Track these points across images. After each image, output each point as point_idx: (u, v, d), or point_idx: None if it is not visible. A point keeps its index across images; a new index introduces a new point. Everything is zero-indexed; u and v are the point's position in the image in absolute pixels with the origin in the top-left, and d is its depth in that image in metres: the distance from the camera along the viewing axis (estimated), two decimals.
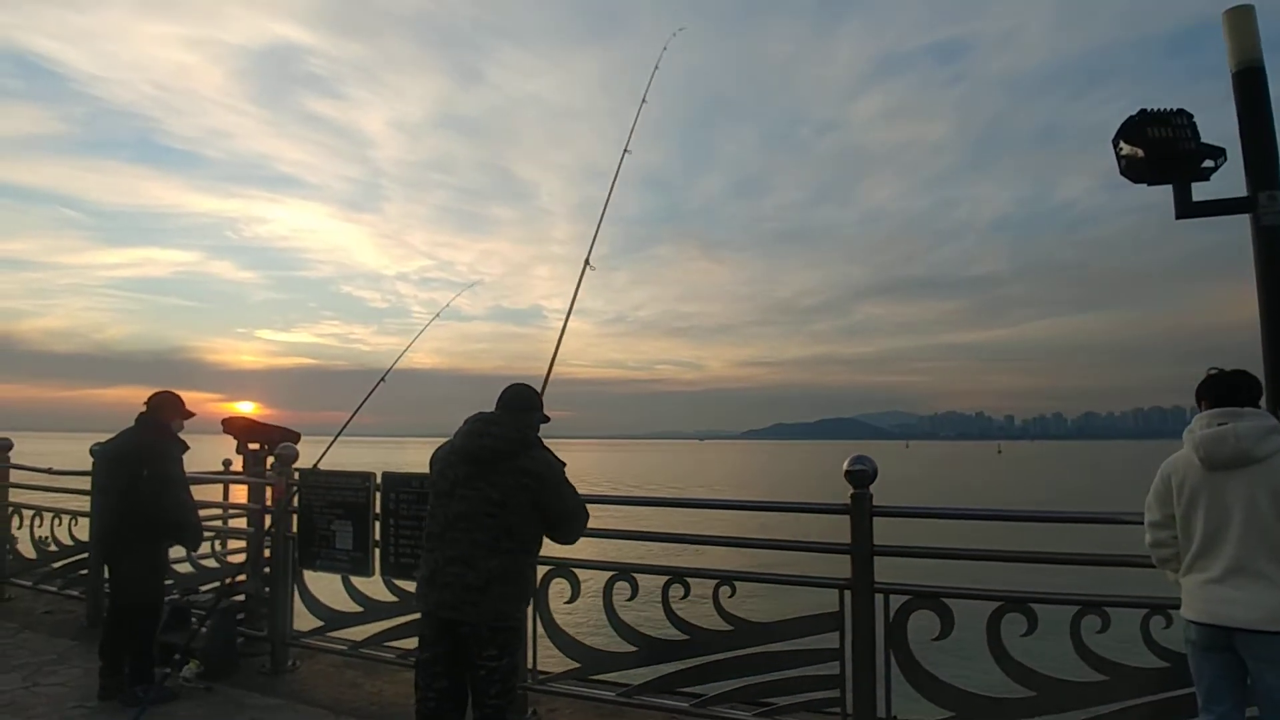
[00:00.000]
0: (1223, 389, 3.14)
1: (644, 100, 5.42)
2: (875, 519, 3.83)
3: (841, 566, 3.88)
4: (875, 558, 3.82)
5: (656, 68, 5.65)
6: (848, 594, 3.85)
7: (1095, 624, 3.54)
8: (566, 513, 3.33)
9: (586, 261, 4.87)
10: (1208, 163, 4.24)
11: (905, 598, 3.81)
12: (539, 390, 3.69)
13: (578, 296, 4.62)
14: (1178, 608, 3.29)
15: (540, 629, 4.45)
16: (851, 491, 3.84)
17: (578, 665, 4.38)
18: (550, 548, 3.53)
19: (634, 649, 4.25)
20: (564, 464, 3.40)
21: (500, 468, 3.21)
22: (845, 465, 3.85)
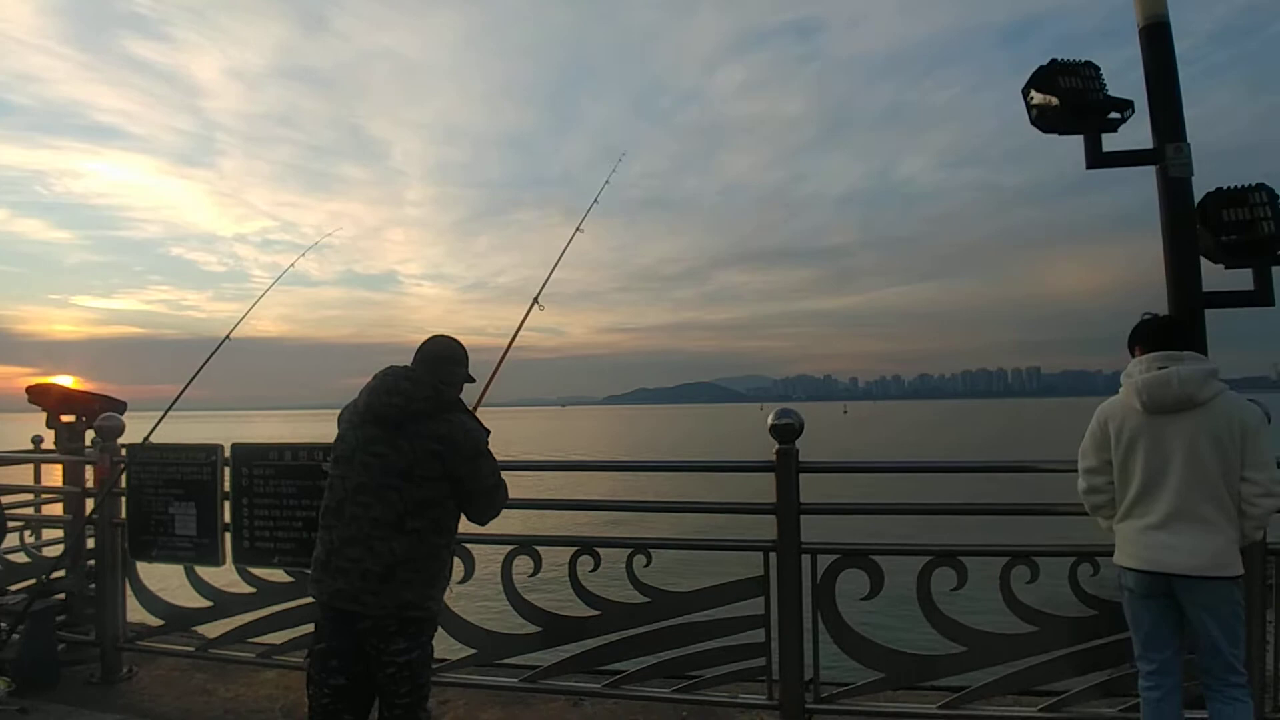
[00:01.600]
0: (1160, 333, 3.04)
1: (606, 183, 4.93)
2: (801, 475, 3.55)
3: (767, 528, 3.60)
4: (802, 517, 3.55)
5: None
6: (773, 556, 3.58)
7: (1025, 574, 3.43)
8: (482, 489, 2.83)
9: (535, 300, 4.18)
10: (1114, 114, 4.22)
11: (833, 557, 3.58)
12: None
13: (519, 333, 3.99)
14: (1105, 555, 3.22)
15: None
16: (777, 447, 3.55)
17: (474, 651, 3.91)
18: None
19: (538, 629, 3.82)
20: (487, 432, 2.91)
21: (408, 430, 2.69)
22: (770, 419, 3.56)
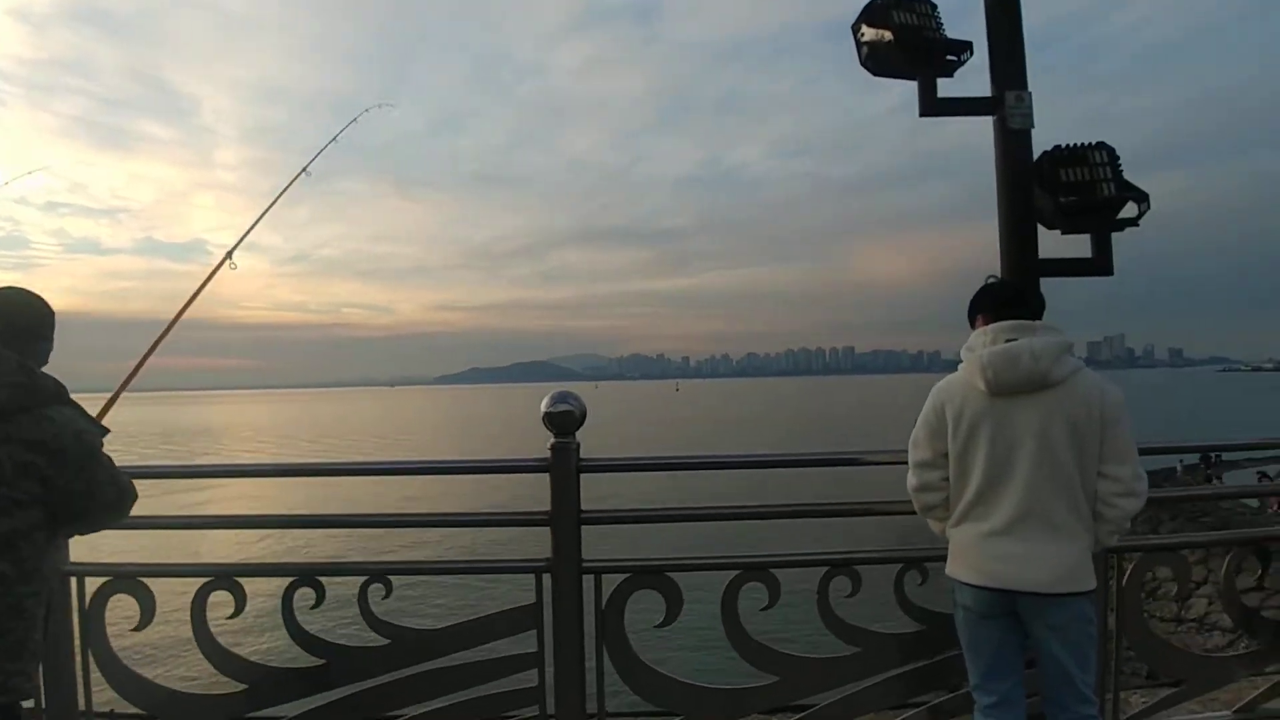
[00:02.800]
0: (1008, 300, 2.53)
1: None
2: (584, 476, 2.82)
3: (541, 543, 2.85)
4: (584, 528, 2.82)
5: None
6: (547, 579, 2.83)
7: (845, 586, 2.87)
8: (100, 505, 1.92)
9: (229, 256, 3.53)
10: (951, 57, 3.76)
11: (622, 576, 2.88)
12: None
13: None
14: (934, 561, 2.72)
15: (94, 665, 2.89)
16: (552, 441, 2.80)
17: (146, 716, 2.92)
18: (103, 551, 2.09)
19: (242, 687, 2.87)
20: (105, 431, 1.98)
21: None
22: (544, 406, 2.80)
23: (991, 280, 2.70)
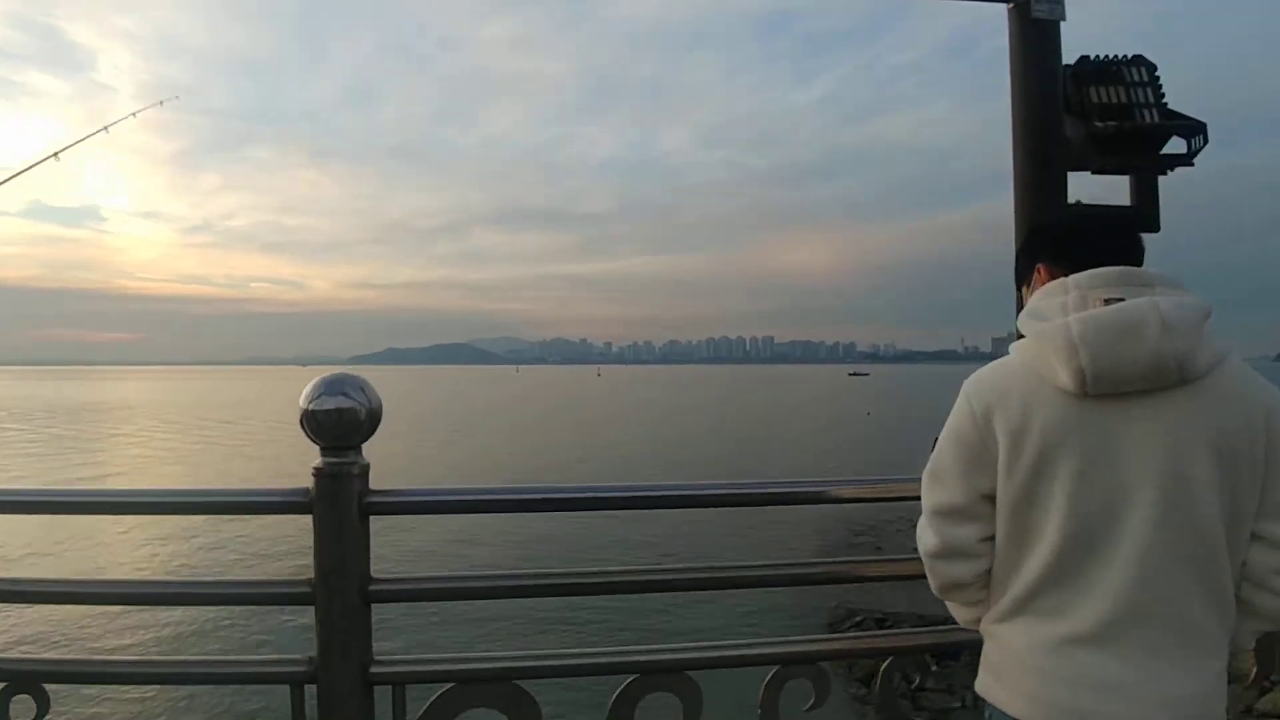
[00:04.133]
0: (1109, 237, 1.49)
1: None
2: (376, 520, 1.65)
3: (307, 631, 1.68)
4: (374, 607, 1.66)
5: None
6: (312, 693, 1.66)
7: (804, 693, 1.80)
8: None
9: None
10: None
11: (442, 688, 1.72)
12: None
13: None
14: (951, 652, 1.66)
15: None
16: (319, 462, 1.63)
17: None
18: None
19: None
20: None
21: None
22: (305, 400, 1.62)
23: (1076, 205, 1.64)
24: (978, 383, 1.42)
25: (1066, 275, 1.40)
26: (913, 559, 1.57)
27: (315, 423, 1.60)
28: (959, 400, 1.43)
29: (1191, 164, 2.52)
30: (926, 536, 1.45)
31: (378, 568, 1.65)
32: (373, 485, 1.65)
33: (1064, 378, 1.28)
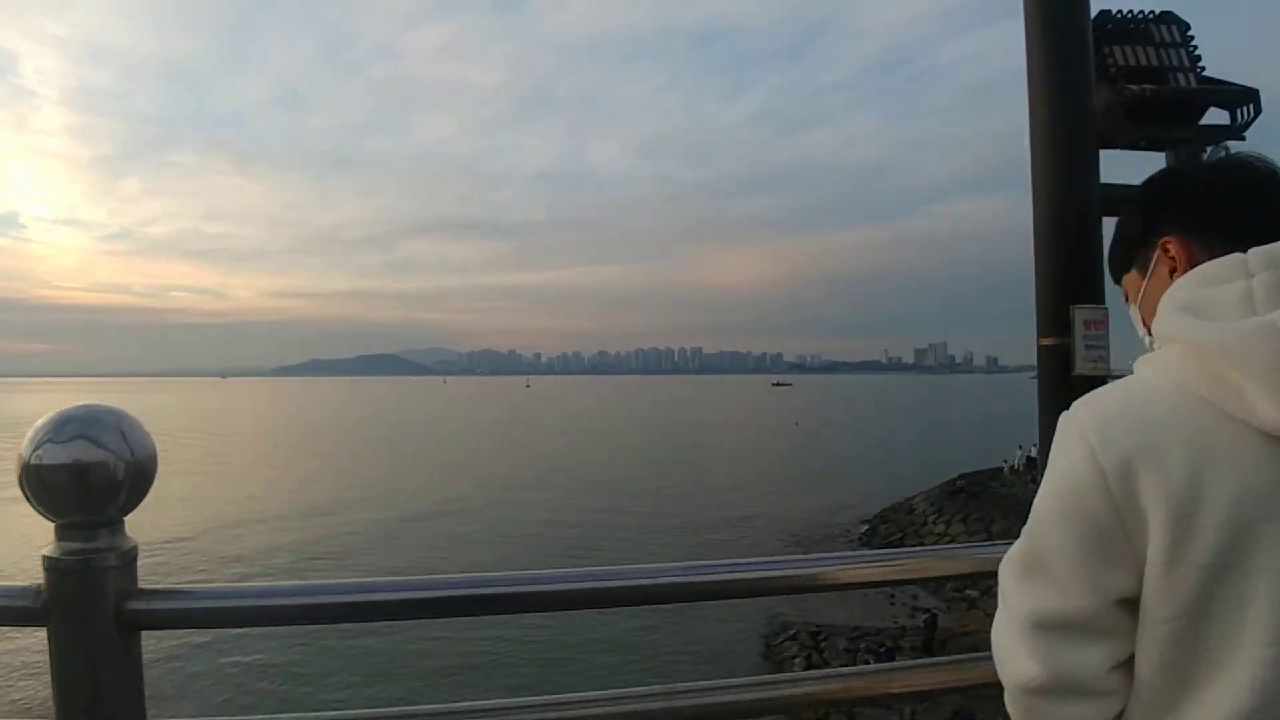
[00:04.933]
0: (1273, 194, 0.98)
1: None
2: (150, 637, 1.04)
3: None
4: None
5: None
6: None
7: None
8: None
9: None
10: None
11: None
12: None
13: None
14: None
15: None
16: (52, 550, 1.00)
17: None
18: None
19: None
20: None
21: None
22: (26, 450, 1.00)
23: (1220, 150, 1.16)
24: (1102, 418, 0.87)
25: (1222, 252, 0.89)
26: (975, 663, 1.04)
27: (41, 485, 0.98)
28: (1068, 442, 0.89)
29: (1243, 137, 2.08)
30: (1021, 659, 0.90)
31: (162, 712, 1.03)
32: (151, 577, 1.04)
33: (1268, 412, 0.77)
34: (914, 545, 25.55)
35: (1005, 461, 33.89)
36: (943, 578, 1.22)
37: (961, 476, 31.55)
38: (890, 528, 28.02)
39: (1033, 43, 2.13)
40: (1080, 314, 1.87)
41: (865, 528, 28.54)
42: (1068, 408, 0.91)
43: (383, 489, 27.56)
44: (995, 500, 27.37)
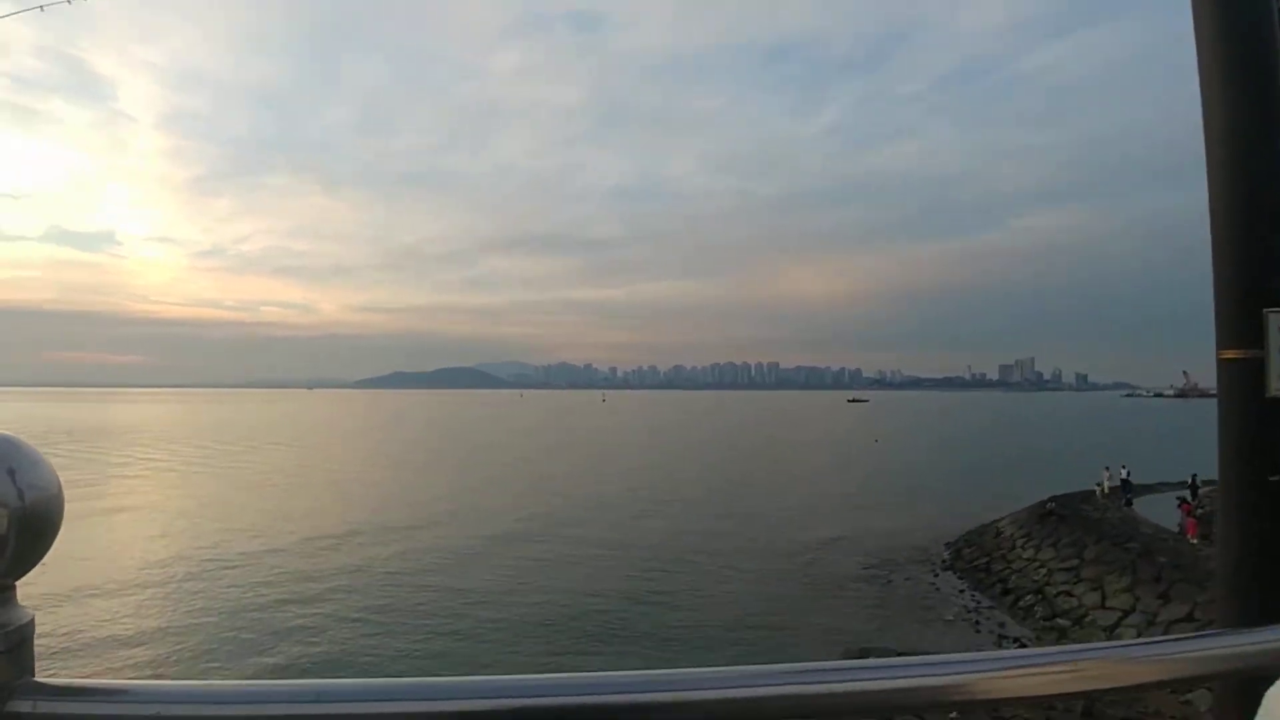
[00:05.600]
0: None
1: None
2: None
3: None
4: None
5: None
6: None
7: None
8: None
9: None
10: None
11: None
12: None
13: None
14: None
15: None
16: None
17: None
18: None
19: None
20: None
21: None
22: None
23: None
24: None
25: None
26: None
27: None
28: None
29: None
30: None
31: None
32: (58, 660, 0.78)
33: None
34: (1001, 570, 24.38)
35: (1097, 485, 32.06)
36: (1141, 686, 0.86)
37: (1051, 499, 29.95)
38: (975, 551, 26.72)
39: (1203, 24, 1.75)
40: (1277, 321, 1.46)
41: (948, 551, 27.31)
42: (1258, 433, 0.60)
43: (460, 505, 27.71)
44: (1088, 524, 25.79)
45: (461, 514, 26.08)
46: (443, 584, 17.96)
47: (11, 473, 0.75)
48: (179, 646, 12.99)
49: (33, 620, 0.77)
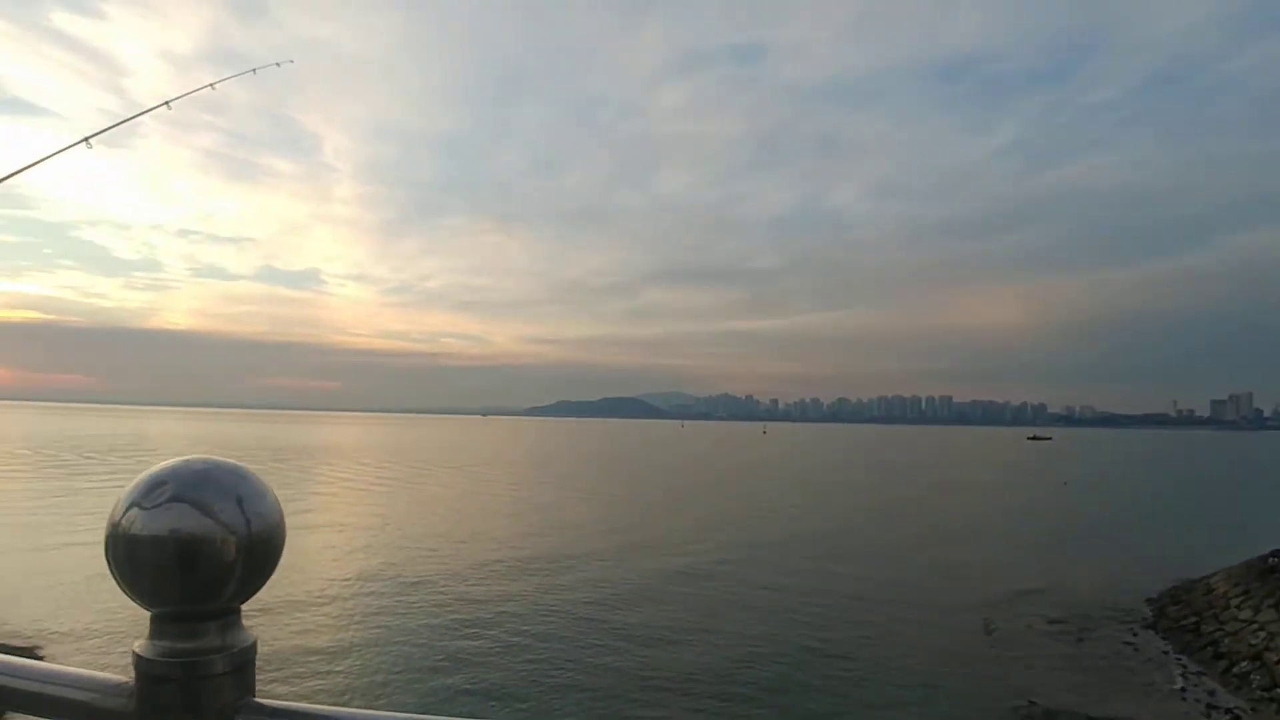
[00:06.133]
0: None
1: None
2: None
3: None
4: None
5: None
6: None
7: None
8: None
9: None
10: None
11: None
12: None
13: None
14: None
15: None
16: (141, 646, 0.82)
17: None
18: None
19: None
20: None
21: None
22: (116, 514, 0.82)
23: None
24: None
25: None
26: None
27: (129, 561, 0.79)
28: None
29: None
30: None
31: None
32: (268, 682, 0.82)
33: None
34: (1212, 631, 21.75)
35: None
36: None
37: (1274, 553, 26.47)
38: (1182, 609, 23.97)
39: None
40: None
41: (1151, 608, 24.66)
42: None
43: (632, 538, 27.99)
44: None
45: (625, 549, 26.35)
46: (619, 620, 18.24)
47: (240, 501, 0.81)
48: (357, 665, 13.80)
49: (255, 643, 0.82)
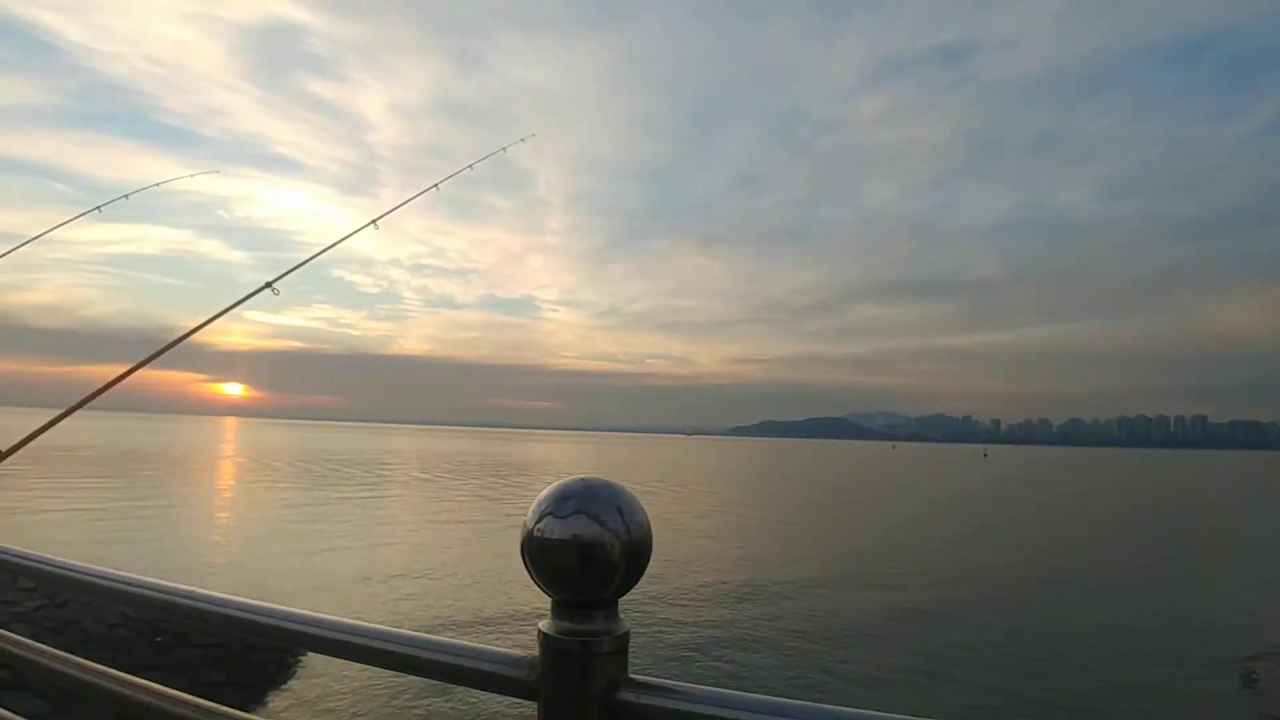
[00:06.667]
0: None
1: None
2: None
3: None
4: None
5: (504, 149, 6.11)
6: None
7: None
8: None
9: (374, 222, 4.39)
10: None
11: None
12: None
13: None
14: None
15: None
16: (547, 626, 0.98)
17: None
18: None
19: None
20: None
21: None
22: (531, 520, 1.00)
23: None
24: None
25: None
26: None
27: (542, 559, 0.97)
28: None
29: None
30: None
31: None
32: (635, 664, 0.98)
33: None
34: None
35: None
36: None
37: None
38: None
39: None
40: None
41: None
42: None
43: (851, 568, 27.13)
44: None
45: (859, 579, 25.57)
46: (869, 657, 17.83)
47: (620, 510, 0.98)
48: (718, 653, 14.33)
49: (629, 632, 0.99)
